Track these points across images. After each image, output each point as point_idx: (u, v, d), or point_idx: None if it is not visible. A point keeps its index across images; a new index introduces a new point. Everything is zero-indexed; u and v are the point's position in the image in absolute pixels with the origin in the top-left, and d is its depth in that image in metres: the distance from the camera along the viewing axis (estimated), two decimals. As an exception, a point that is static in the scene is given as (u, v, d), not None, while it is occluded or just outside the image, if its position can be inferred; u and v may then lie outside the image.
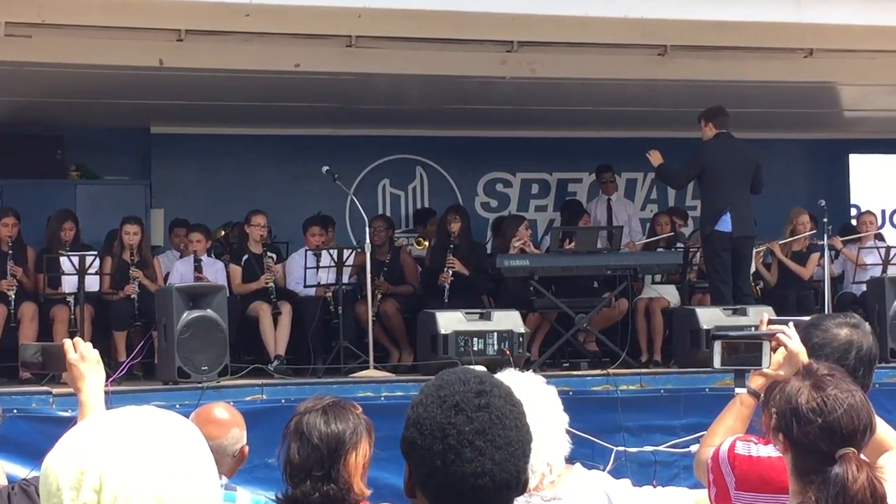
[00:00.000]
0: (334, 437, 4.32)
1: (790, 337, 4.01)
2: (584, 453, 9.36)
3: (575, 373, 11.49)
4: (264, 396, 10.21)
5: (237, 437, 4.86)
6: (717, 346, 4.22)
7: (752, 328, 4.31)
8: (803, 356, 3.96)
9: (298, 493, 4.33)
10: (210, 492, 2.11)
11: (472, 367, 2.52)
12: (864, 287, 13.04)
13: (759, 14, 11.02)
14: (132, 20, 10.86)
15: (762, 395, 4.20)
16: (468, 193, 15.78)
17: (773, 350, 4.06)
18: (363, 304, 11.99)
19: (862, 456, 3.30)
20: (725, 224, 12.08)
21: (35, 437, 8.96)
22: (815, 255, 13.50)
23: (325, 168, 12.16)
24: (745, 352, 4.15)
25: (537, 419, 4.07)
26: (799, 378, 3.41)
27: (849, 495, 3.16)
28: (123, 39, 11.35)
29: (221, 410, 4.99)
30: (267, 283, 12.19)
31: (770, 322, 4.21)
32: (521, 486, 2.36)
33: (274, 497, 4.43)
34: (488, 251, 13.79)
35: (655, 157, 12.51)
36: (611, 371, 11.24)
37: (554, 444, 4.39)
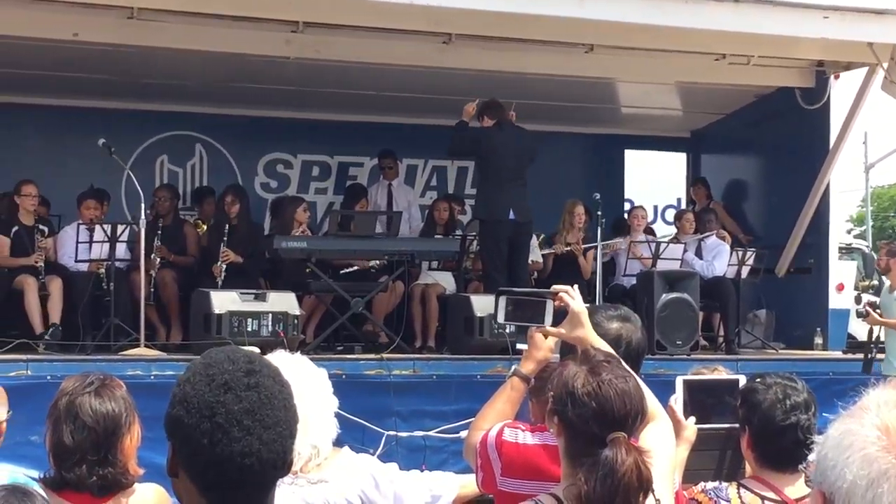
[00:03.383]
0: (110, 420, 4.19)
1: (573, 297, 4.08)
2: (354, 437, 9.41)
3: (349, 356, 11.50)
4: (29, 372, 9.95)
5: (-7, 412, 4.69)
6: (502, 301, 4.27)
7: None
8: (584, 316, 4.03)
9: (73, 477, 4.17)
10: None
11: (240, 347, 2.48)
12: (633, 280, 13.35)
13: (542, 8, 11.17)
14: None
15: (532, 380, 4.28)
16: (248, 173, 15.62)
17: (556, 309, 4.14)
18: (138, 274, 11.72)
19: (633, 441, 3.39)
20: (503, 212, 12.24)
21: None
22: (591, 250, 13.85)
23: (101, 141, 11.87)
24: (529, 308, 4.21)
25: (305, 401, 4.06)
26: (576, 363, 3.48)
27: (616, 477, 3.23)
28: None
29: (-21, 385, 4.82)
30: (37, 264, 11.83)
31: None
32: (286, 467, 2.36)
33: (37, 477, 4.28)
34: (266, 231, 13.69)
35: (468, 111, 12.49)
36: (384, 356, 11.27)
37: (321, 427, 4.39)
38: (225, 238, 12.57)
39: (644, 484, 3.27)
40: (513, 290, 4.38)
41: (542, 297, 4.19)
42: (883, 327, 11.91)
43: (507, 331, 10.93)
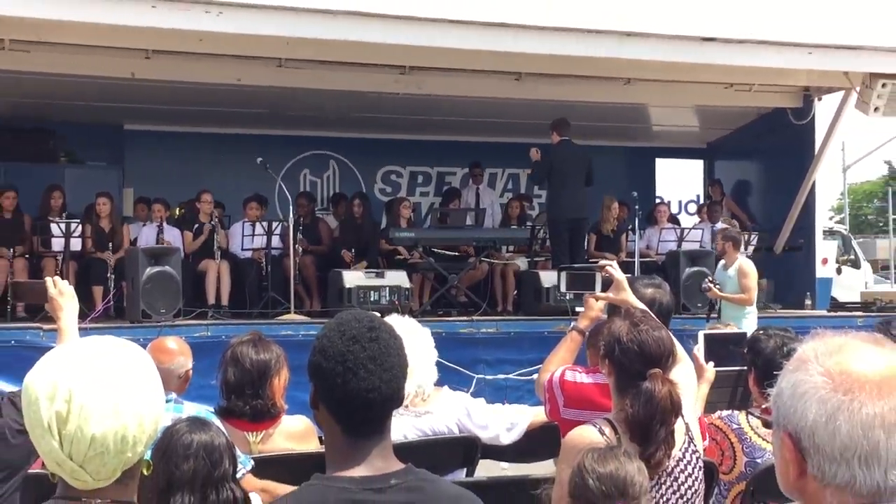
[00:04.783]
0: (262, 364, 4.31)
1: (614, 268, 4.13)
2: (451, 380, 9.31)
3: (447, 319, 11.50)
4: (209, 333, 10.07)
5: (182, 363, 4.78)
6: (563, 276, 4.34)
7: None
8: (625, 283, 4.07)
9: (234, 406, 4.31)
10: (155, 402, 2.06)
11: (364, 311, 2.48)
12: (664, 258, 13.23)
13: (588, 50, 11.10)
14: (110, 41, 10.60)
15: (587, 333, 4.28)
16: (369, 181, 15.71)
17: (603, 279, 4.19)
18: (288, 259, 11.83)
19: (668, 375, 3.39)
20: (566, 210, 12.15)
21: (26, 363, 8.70)
22: (624, 235, 13.80)
23: (259, 159, 11.98)
24: (583, 279, 4.28)
25: (414, 352, 4.06)
26: (621, 319, 3.50)
27: (654, 403, 3.29)
28: (103, 56, 11.11)
29: (171, 342, 4.89)
30: (210, 223, 11.99)
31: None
32: (399, 400, 2.35)
33: (213, 409, 4.38)
34: (382, 226, 13.75)
35: (534, 155, 12.43)
36: (474, 318, 11.27)
37: (426, 372, 4.41)
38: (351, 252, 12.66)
39: (676, 408, 3.33)
40: (571, 266, 4.45)
41: (592, 271, 4.25)
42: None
43: (567, 298, 10.92)
